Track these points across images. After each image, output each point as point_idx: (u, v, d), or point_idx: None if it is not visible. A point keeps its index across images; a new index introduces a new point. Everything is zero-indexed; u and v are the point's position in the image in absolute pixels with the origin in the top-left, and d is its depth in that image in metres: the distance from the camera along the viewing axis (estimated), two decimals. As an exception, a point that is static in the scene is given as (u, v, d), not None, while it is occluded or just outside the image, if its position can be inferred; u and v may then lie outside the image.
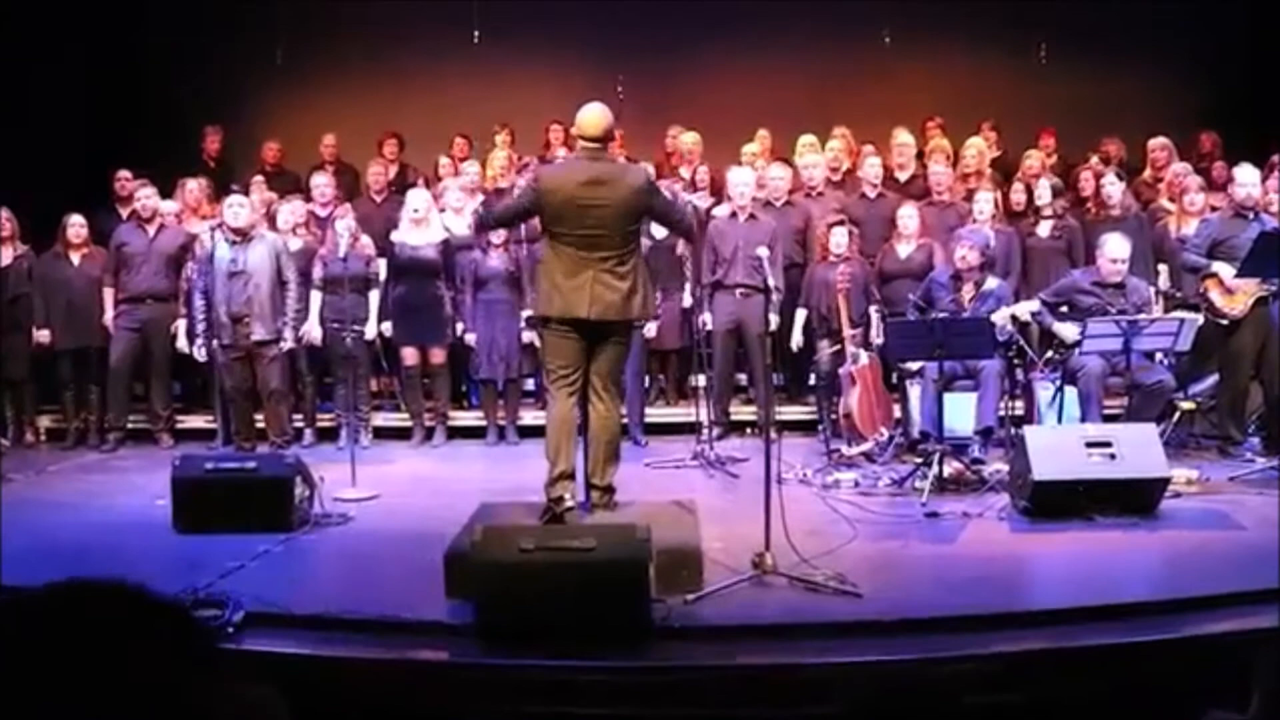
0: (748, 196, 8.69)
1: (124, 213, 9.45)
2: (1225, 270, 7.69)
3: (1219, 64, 11.20)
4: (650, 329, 8.59)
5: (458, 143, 10.72)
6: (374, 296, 8.67)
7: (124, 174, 9.66)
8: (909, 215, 8.68)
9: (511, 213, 6.28)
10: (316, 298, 8.58)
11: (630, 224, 5.67)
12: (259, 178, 10.22)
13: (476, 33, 11.54)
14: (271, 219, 8.90)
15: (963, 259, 7.75)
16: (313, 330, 8.56)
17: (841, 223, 8.62)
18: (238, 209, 8.18)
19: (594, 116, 5.67)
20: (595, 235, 5.58)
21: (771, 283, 5.73)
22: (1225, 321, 7.80)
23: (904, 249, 8.67)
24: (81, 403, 9.19)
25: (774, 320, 8.07)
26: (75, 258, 9.02)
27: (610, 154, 5.75)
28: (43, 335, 8.99)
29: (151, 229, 8.91)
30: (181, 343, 8.79)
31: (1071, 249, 8.80)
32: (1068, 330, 7.58)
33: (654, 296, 6.06)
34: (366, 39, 11.70)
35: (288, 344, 8.32)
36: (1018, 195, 9.28)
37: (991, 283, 7.84)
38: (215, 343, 8.20)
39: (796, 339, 8.70)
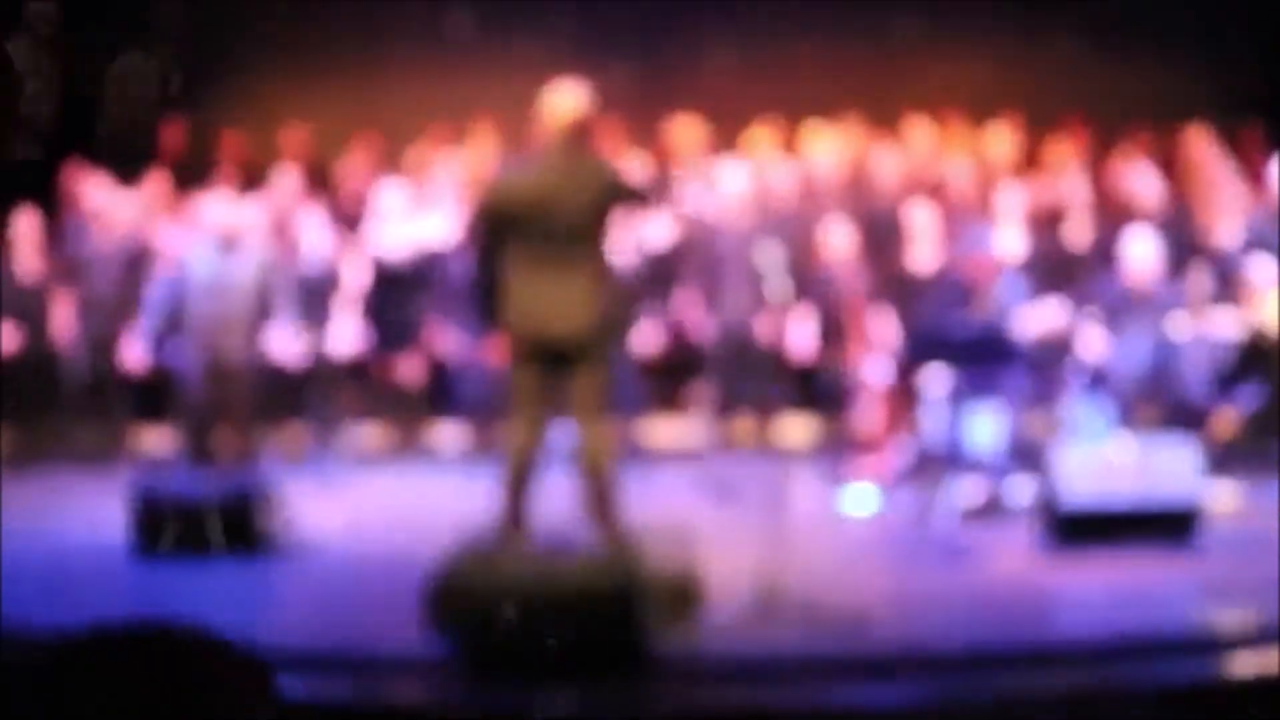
0: (750, 193, 8.69)
1: (76, 212, 9.43)
2: (1263, 270, 7.69)
3: (1266, 49, 11.21)
4: (645, 339, 8.59)
5: (434, 133, 10.72)
6: (344, 303, 8.64)
7: (76, 169, 9.63)
8: (927, 216, 8.67)
9: (483, 250, 5.73)
10: (283, 305, 8.56)
11: (603, 225, 5.48)
12: (222, 173, 10.20)
13: (458, 17, 11.58)
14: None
15: (978, 269, 7.74)
16: (278, 341, 8.53)
17: (841, 223, 8.62)
18: (221, 214, 8.00)
19: (564, 102, 5.48)
20: (563, 239, 5.36)
21: (774, 289, 5.72)
22: (1268, 333, 7.81)
23: (922, 252, 8.67)
24: (29, 418, 9.17)
25: (777, 329, 8.10)
26: (20, 259, 8.99)
27: (581, 144, 5.49)
28: None
29: (105, 229, 8.89)
30: (132, 353, 8.72)
31: (1108, 250, 8.80)
32: (1096, 340, 7.59)
33: (629, 313, 5.89)
34: (339, 19, 11.70)
35: (271, 357, 8.22)
36: (1045, 193, 9.29)
37: (1010, 288, 7.84)
38: (175, 355, 8.15)
39: (802, 349, 8.68)
